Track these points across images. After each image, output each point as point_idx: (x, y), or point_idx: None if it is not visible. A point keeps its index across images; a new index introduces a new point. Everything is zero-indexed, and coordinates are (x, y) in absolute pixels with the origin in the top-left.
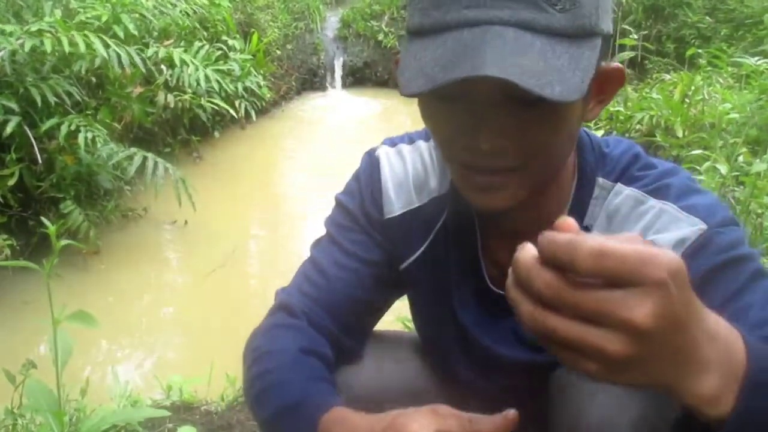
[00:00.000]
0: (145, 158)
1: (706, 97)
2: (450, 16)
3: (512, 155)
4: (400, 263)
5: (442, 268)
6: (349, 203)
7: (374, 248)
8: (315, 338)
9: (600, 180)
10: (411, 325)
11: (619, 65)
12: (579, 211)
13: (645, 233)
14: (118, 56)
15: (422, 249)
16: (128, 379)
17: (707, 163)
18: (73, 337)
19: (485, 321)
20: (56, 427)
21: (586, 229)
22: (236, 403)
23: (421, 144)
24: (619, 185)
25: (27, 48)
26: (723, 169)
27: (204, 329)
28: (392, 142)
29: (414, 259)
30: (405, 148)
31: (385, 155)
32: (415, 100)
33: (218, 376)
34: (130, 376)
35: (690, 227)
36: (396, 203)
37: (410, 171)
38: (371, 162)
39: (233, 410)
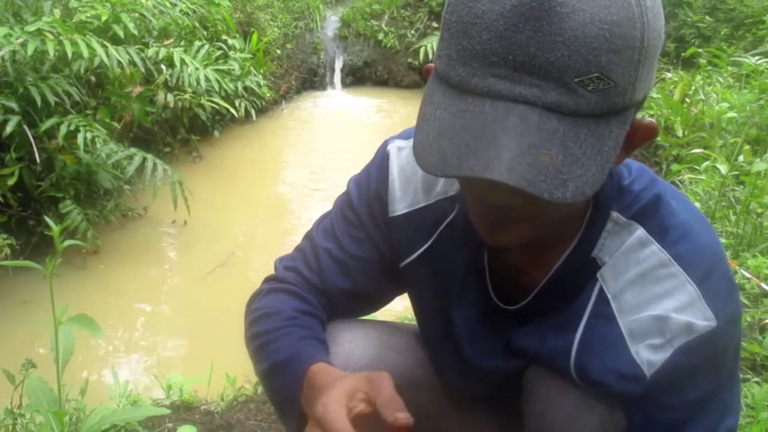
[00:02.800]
0: (144, 159)
1: (703, 97)
2: (475, 81)
3: (522, 211)
4: (400, 261)
5: (445, 270)
6: (355, 196)
7: (370, 246)
8: (309, 300)
9: (614, 214)
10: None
11: (653, 122)
12: (589, 241)
13: (662, 300)
14: (119, 59)
15: (424, 248)
16: (128, 379)
17: (707, 162)
18: (73, 337)
19: (480, 330)
20: (56, 426)
21: (594, 260)
22: (236, 402)
23: None
24: (635, 224)
25: (30, 51)
26: (723, 168)
27: (204, 329)
28: (407, 135)
29: (415, 257)
30: None
31: (396, 151)
32: (417, 100)
33: (218, 376)
34: (130, 376)
35: (703, 320)
36: (401, 202)
37: (420, 170)
38: (382, 156)
39: (233, 410)
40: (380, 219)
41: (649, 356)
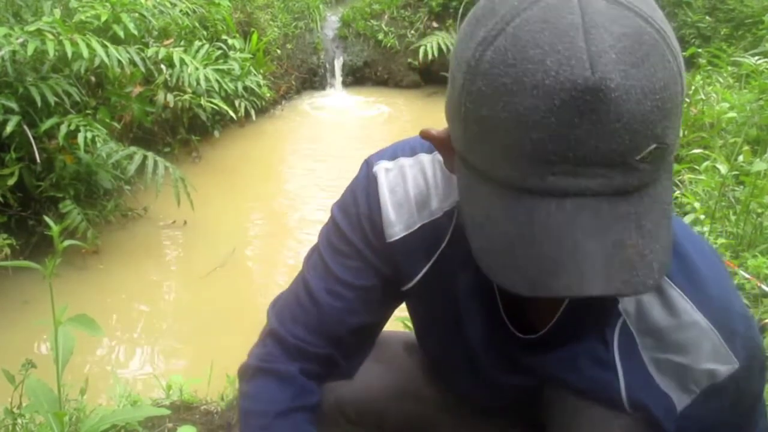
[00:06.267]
0: (144, 157)
1: (703, 97)
2: (532, 181)
3: None
4: (402, 285)
5: (449, 288)
6: (344, 224)
7: (370, 274)
8: (302, 387)
9: None
10: (409, 324)
11: None
12: None
13: (686, 352)
14: (119, 58)
15: (426, 269)
16: (128, 379)
17: (707, 163)
18: (73, 337)
19: (495, 350)
20: (56, 427)
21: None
22: (236, 403)
23: (423, 157)
24: None
25: (30, 51)
26: (723, 168)
27: (204, 329)
28: (392, 154)
29: (418, 280)
30: (406, 162)
31: (384, 173)
32: (417, 100)
33: (218, 376)
34: (130, 376)
35: (726, 365)
36: (397, 226)
37: (411, 189)
38: (368, 179)
39: (233, 410)
40: (378, 244)
41: (675, 395)
